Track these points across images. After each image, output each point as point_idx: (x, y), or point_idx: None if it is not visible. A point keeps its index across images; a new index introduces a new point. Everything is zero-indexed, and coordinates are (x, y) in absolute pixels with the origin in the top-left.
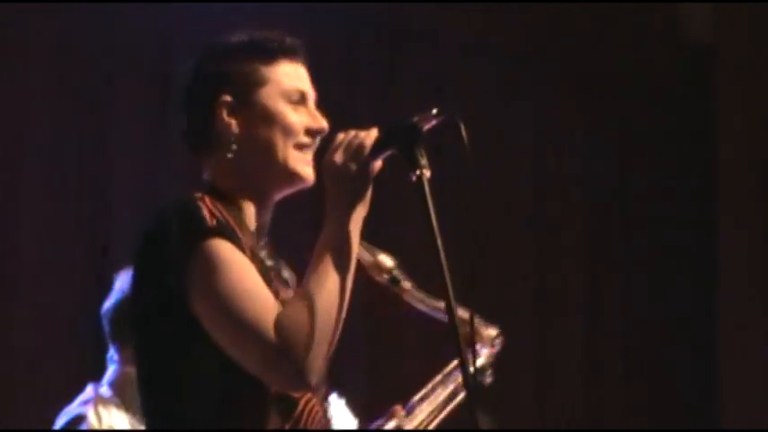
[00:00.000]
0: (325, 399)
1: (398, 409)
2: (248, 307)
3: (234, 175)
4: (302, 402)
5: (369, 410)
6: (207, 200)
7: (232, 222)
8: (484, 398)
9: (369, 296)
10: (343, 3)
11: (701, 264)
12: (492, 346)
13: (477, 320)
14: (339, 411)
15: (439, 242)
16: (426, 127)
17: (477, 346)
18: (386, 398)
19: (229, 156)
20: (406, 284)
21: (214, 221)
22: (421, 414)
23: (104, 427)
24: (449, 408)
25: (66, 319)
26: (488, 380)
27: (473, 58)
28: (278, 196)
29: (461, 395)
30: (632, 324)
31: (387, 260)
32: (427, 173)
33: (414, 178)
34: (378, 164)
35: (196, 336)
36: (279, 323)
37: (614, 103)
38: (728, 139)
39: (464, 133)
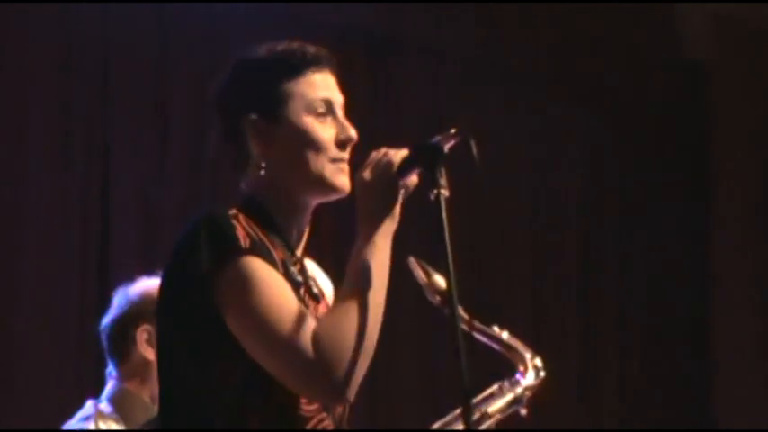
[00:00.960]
0: (341, 420)
1: None
2: (284, 323)
3: (267, 190)
4: (311, 424)
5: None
6: (241, 218)
7: (266, 241)
8: None
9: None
10: (336, 2)
11: (695, 272)
12: (536, 376)
13: (523, 347)
14: None
15: (451, 262)
16: (447, 146)
17: (519, 375)
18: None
19: (261, 173)
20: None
21: (248, 241)
22: None
23: None
24: None
25: (66, 333)
26: (524, 411)
27: (472, 71)
28: (314, 205)
29: None
30: (628, 328)
31: (441, 281)
32: (445, 192)
33: (432, 197)
34: (414, 179)
35: (222, 354)
36: (316, 339)
37: (613, 118)
38: (724, 151)
39: (474, 152)
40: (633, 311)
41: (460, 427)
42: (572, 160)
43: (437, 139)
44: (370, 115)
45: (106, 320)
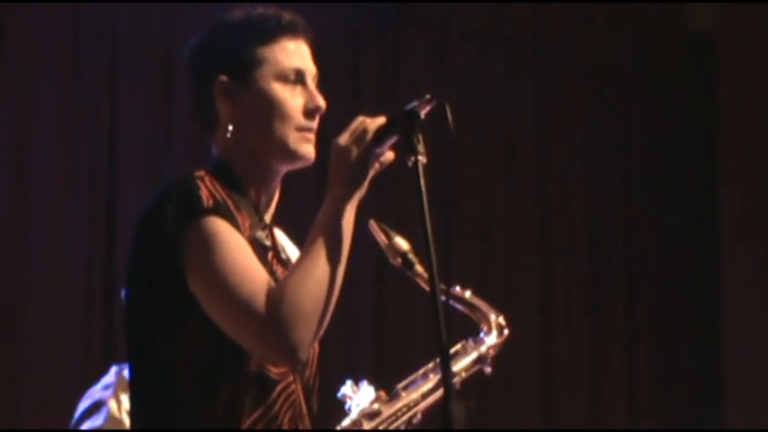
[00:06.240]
0: (311, 385)
1: (382, 394)
2: (242, 283)
3: (235, 153)
4: (279, 387)
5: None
6: (207, 179)
7: (230, 202)
8: (462, 390)
9: (378, 282)
10: None
11: (702, 246)
12: (499, 335)
13: (486, 307)
14: (368, 398)
15: (429, 228)
16: (423, 112)
17: (483, 334)
18: (393, 383)
19: (227, 136)
20: (420, 268)
21: (211, 201)
22: (402, 401)
23: (123, 413)
24: (431, 398)
25: (74, 315)
26: (488, 369)
27: (477, 44)
28: (282, 172)
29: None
30: (636, 318)
31: (402, 243)
32: (423, 159)
33: (410, 164)
34: (390, 155)
35: (188, 313)
36: (271, 299)
37: (617, 89)
38: (730, 121)
39: (450, 117)
40: (640, 291)
41: (429, 384)
42: (576, 135)
43: (413, 105)
44: (376, 86)
45: None
